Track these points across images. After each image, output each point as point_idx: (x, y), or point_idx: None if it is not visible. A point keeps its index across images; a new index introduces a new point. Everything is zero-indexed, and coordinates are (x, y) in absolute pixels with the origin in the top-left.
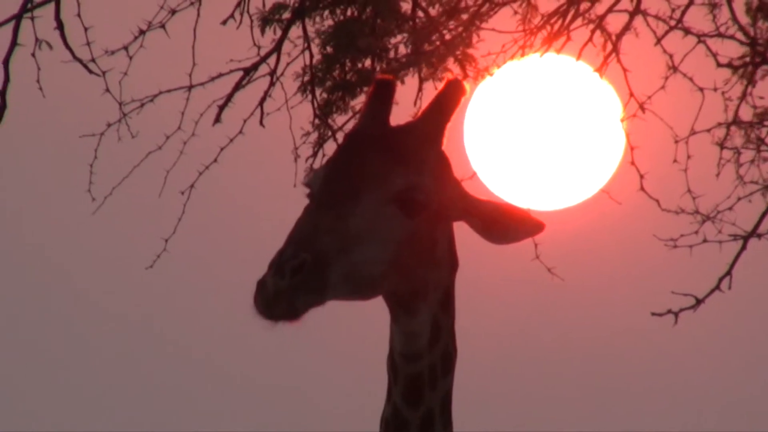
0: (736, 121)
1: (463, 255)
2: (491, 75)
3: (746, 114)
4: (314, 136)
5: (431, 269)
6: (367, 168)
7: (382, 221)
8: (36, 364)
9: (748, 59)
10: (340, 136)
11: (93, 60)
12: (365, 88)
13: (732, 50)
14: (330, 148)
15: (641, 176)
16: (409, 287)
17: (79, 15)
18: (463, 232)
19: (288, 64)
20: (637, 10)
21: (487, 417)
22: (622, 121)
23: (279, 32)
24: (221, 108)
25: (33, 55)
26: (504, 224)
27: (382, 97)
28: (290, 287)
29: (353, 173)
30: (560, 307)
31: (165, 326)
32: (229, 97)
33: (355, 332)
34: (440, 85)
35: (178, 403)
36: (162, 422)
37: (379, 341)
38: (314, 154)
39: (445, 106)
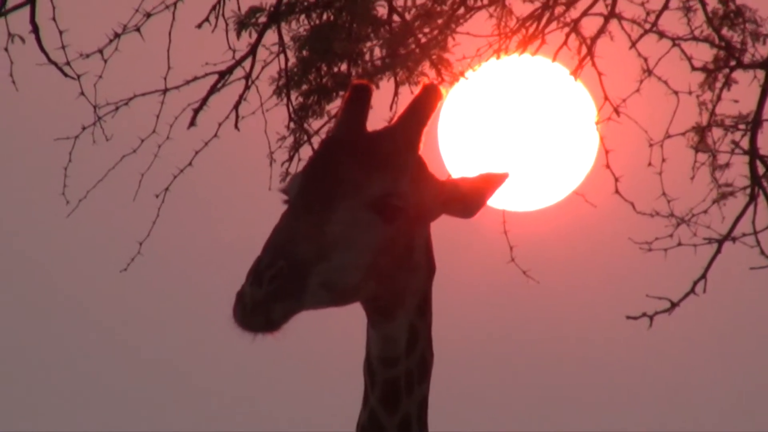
0: (711, 125)
1: (439, 259)
2: (466, 79)
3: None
4: (290, 140)
5: (409, 274)
6: (344, 174)
7: (359, 228)
8: (7, 365)
9: (722, 63)
10: (315, 141)
11: (68, 63)
12: (341, 93)
13: (706, 54)
14: (305, 152)
15: (616, 179)
16: (386, 293)
17: (54, 18)
18: (439, 237)
19: (263, 67)
20: (612, 14)
21: (464, 421)
22: (596, 124)
23: (254, 36)
24: (196, 111)
25: (6, 49)
26: (474, 195)
27: (359, 103)
28: (267, 296)
29: (330, 179)
30: (535, 310)
31: (139, 330)
32: (204, 101)
33: (330, 337)
34: (416, 90)
35: (148, 407)
36: (131, 425)
37: (356, 346)
38: (290, 159)
39: (421, 111)
